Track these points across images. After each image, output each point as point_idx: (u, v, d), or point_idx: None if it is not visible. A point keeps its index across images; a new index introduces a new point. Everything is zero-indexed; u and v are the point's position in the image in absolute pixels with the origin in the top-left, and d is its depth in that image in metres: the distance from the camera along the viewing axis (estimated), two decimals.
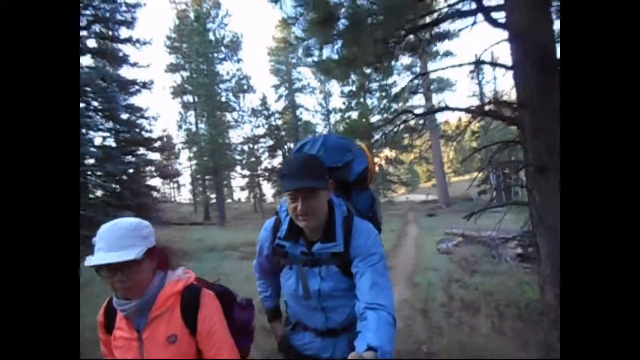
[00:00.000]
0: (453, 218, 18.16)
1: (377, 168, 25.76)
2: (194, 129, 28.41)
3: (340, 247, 1.37)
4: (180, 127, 28.74)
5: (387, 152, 24.37)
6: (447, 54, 25.41)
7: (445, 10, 2.70)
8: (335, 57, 2.75)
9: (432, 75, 27.43)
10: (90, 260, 1.14)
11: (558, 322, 2.56)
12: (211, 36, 25.29)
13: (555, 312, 2.53)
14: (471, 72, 25.68)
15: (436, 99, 28.09)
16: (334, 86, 32.70)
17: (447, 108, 2.93)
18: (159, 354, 1.24)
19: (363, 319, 1.18)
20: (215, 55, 25.27)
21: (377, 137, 4.40)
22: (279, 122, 32.48)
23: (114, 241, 1.16)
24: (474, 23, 2.66)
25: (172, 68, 28.72)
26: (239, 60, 27.76)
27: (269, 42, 35.78)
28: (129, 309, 1.23)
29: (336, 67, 2.67)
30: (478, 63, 2.92)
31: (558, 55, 2.49)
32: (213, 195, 28.83)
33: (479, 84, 28.82)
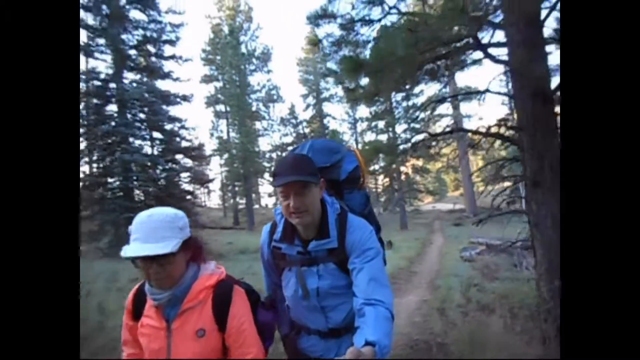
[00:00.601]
0: (480, 227, 18.13)
1: (403, 177, 25.96)
2: (225, 136, 29.72)
3: (334, 243, 1.39)
4: (212, 135, 30.17)
5: (414, 161, 24.51)
6: (475, 62, 25.42)
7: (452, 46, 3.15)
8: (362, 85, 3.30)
9: (459, 84, 27.42)
10: (126, 251, 1.14)
11: (551, 312, 2.96)
12: (243, 49, 26.55)
13: (549, 305, 2.94)
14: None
15: (463, 107, 28.00)
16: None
17: (458, 130, 3.39)
18: (186, 346, 1.23)
19: (361, 315, 1.20)
20: (247, 66, 26.46)
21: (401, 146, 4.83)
22: (307, 130, 33.28)
23: (151, 232, 1.15)
24: (478, 61, 3.11)
25: (206, 79, 30.14)
26: (269, 72, 28.96)
27: (298, 53, 36.54)
28: (162, 299, 1.22)
29: (363, 97, 3.20)
30: (484, 92, 3.40)
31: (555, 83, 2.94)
32: (241, 201, 29.91)
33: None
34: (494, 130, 3.25)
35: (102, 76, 11.20)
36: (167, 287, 1.21)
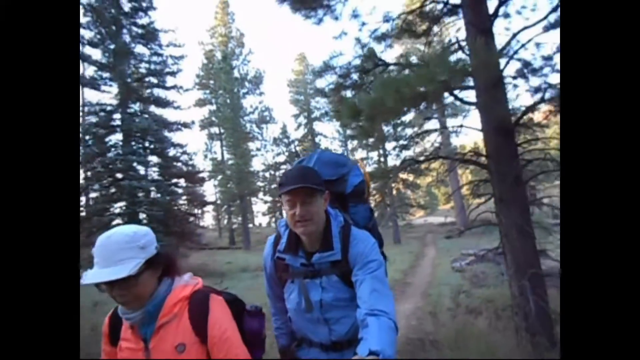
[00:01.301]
0: (470, 240, 18.80)
1: (394, 192, 26.61)
2: (219, 158, 30.31)
3: (337, 255, 1.39)
4: (206, 156, 30.76)
5: (404, 176, 25.24)
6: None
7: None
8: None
9: (446, 100, 28.48)
10: (85, 277, 1.09)
11: (520, 307, 3.59)
12: (236, 73, 27.48)
13: (517, 300, 3.59)
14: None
15: (450, 122, 29.03)
16: None
17: (438, 157, 4.10)
18: None
19: (364, 326, 1.20)
20: (240, 90, 27.35)
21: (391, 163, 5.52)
22: (299, 148, 34.02)
23: (110, 255, 1.11)
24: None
25: (200, 103, 30.91)
26: (261, 94, 29.90)
27: (289, 75, 37.51)
28: (135, 318, 1.18)
29: (360, 134, 3.88)
30: (460, 127, 4.11)
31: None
32: (234, 220, 30.28)
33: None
34: (471, 155, 3.94)
35: (108, 108, 11.86)
36: (137, 307, 1.17)
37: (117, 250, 1.12)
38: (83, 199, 12.38)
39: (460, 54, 3.84)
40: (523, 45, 3.84)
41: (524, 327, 3.62)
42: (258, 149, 31.20)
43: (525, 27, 3.78)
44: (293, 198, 1.35)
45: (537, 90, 3.80)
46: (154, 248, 1.21)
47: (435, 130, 4.84)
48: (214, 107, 30.15)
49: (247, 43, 35.70)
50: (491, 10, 3.77)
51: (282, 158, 33.14)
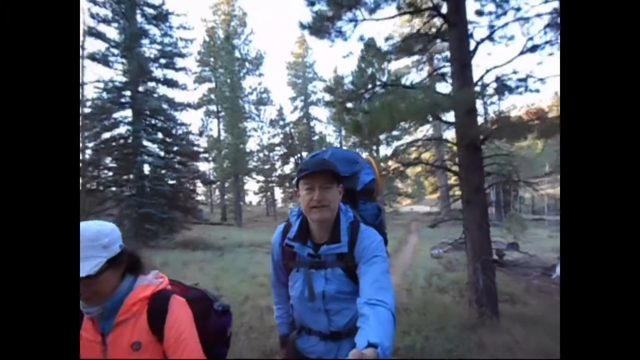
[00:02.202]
0: (453, 229, 20.07)
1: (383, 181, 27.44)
2: (215, 135, 30.88)
3: (344, 248, 1.43)
4: (201, 133, 31.26)
5: (394, 165, 26.21)
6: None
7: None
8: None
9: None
10: None
11: (473, 285, 4.66)
12: (237, 53, 27.80)
13: (472, 279, 4.66)
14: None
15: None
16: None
17: (418, 162, 5.10)
18: None
19: (363, 315, 1.21)
20: (240, 70, 27.72)
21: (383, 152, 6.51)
22: (293, 131, 34.61)
23: None
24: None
25: (199, 80, 31.13)
26: (260, 75, 30.41)
27: (288, 57, 37.53)
28: (93, 313, 1.19)
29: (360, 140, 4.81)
30: (439, 139, 5.03)
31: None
32: (226, 197, 31.10)
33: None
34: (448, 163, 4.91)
35: (117, 84, 12.51)
36: (96, 304, 1.18)
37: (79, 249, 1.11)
38: (94, 172, 13.05)
39: (443, 85, 4.77)
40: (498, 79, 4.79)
41: (474, 299, 4.68)
42: (255, 130, 31.86)
43: (495, 67, 4.74)
44: (312, 182, 1.40)
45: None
46: (118, 247, 1.22)
47: (421, 139, 5.71)
48: (212, 85, 30.49)
49: (249, 23, 35.73)
50: (472, 47, 4.69)
51: (277, 140, 33.87)
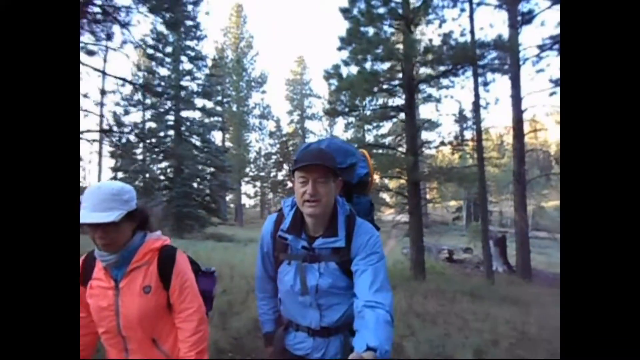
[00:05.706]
0: (426, 237, 23.65)
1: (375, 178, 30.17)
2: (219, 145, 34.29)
3: (342, 243, 1.38)
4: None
5: (377, 178, 29.51)
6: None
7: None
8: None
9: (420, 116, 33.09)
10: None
11: (412, 261, 8.28)
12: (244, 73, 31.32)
13: (412, 258, 8.30)
14: (455, 121, 31.76)
15: (424, 135, 33.73)
16: (339, 121, 38.15)
17: (398, 176, 8.66)
18: (133, 301, 1.34)
19: (361, 317, 1.19)
20: (247, 90, 31.23)
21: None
22: (289, 142, 37.84)
23: (98, 203, 1.26)
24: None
25: (207, 95, 34.31)
26: (263, 92, 33.86)
27: (287, 74, 40.80)
28: (111, 260, 1.33)
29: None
30: (422, 145, 8.66)
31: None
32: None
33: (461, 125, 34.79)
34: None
35: (162, 110, 16.22)
36: (112, 251, 1.32)
37: (105, 200, 1.27)
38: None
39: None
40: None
41: (406, 277, 8.31)
42: (256, 141, 35.49)
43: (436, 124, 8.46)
44: (306, 176, 1.34)
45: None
46: (135, 204, 1.37)
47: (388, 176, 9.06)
48: (219, 98, 33.69)
49: (255, 45, 38.92)
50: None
51: (273, 149, 37.12)
